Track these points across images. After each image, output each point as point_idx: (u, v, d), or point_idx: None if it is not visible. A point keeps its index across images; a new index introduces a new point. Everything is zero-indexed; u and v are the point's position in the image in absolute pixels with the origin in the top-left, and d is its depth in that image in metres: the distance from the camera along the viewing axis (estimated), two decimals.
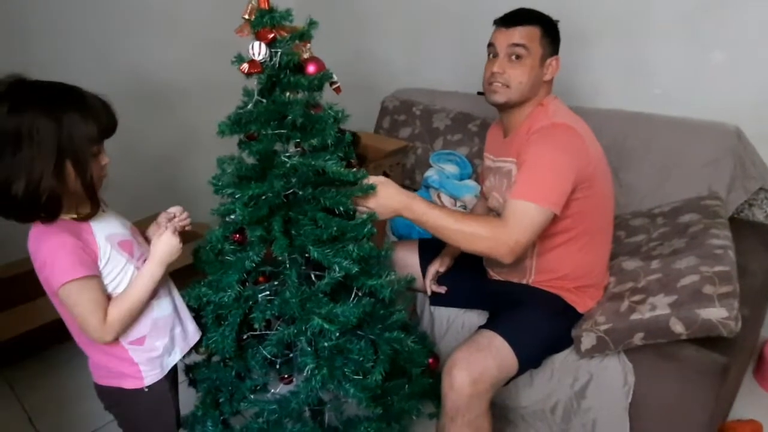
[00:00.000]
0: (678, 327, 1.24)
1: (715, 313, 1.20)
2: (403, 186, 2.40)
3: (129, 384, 1.15)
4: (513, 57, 1.38)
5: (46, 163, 0.93)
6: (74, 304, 1.01)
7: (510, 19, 1.40)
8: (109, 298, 1.06)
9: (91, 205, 1.03)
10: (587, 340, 1.37)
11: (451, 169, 2.19)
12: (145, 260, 1.13)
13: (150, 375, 1.16)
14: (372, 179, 1.26)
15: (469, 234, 1.28)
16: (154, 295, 1.12)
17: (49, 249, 0.98)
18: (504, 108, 1.45)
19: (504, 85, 1.39)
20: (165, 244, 1.09)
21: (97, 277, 1.03)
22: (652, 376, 1.37)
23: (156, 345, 1.15)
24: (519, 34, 1.37)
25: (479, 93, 2.36)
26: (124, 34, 2.23)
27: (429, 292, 1.67)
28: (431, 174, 2.22)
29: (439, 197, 2.14)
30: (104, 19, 2.17)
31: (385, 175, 2.28)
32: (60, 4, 2.05)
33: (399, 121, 2.51)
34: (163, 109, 2.47)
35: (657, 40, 1.94)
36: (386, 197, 1.27)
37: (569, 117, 1.40)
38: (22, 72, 0.97)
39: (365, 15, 2.80)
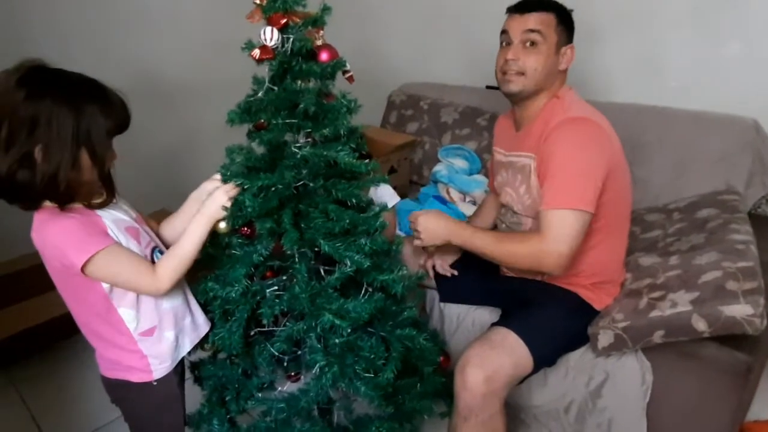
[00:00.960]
0: (700, 324, 1.20)
1: (739, 309, 1.17)
2: (411, 181, 2.40)
3: (137, 377, 1.12)
4: (528, 44, 1.34)
5: (64, 153, 0.92)
6: (114, 273, 1.00)
7: (524, 5, 1.36)
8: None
9: (107, 193, 1.03)
10: (604, 338, 1.33)
11: (460, 163, 2.15)
12: (153, 248, 1.11)
13: (159, 368, 1.13)
14: (423, 212, 1.40)
15: (512, 254, 1.32)
16: None
17: (57, 233, 0.96)
18: (518, 99, 1.40)
19: (518, 73, 1.34)
20: (217, 199, 1.09)
21: (117, 243, 1.01)
22: (671, 375, 1.33)
23: (166, 336, 1.13)
24: (534, 19, 1.33)
25: (488, 87, 2.33)
26: (127, 31, 2.21)
27: (431, 274, 1.64)
28: (440, 169, 2.19)
29: (448, 192, 2.10)
30: (107, 16, 2.14)
31: (393, 170, 2.25)
32: (62, 1, 2.02)
33: (406, 116, 2.48)
34: (165, 108, 2.44)
35: (671, 32, 1.90)
36: (436, 227, 1.37)
37: (587, 109, 1.36)
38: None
39: (371, 8, 2.77)
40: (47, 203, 0.98)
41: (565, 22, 1.36)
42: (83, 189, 0.99)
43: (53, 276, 1.04)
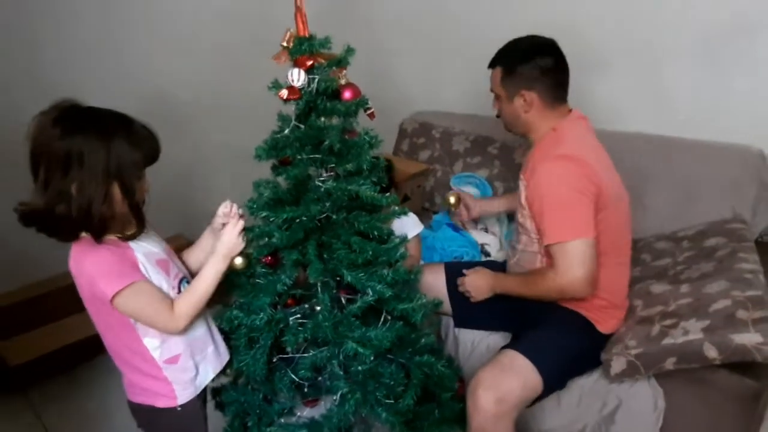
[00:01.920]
0: (711, 352, 1.23)
1: (749, 338, 1.20)
2: (423, 208, 2.45)
3: (162, 403, 1.16)
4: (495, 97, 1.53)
5: (95, 186, 0.98)
6: (137, 309, 1.06)
7: (490, 62, 1.51)
8: None
9: (138, 225, 1.07)
10: (617, 364, 1.36)
11: (471, 191, 2.20)
12: (180, 279, 1.16)
13: (183, 394, 1.17)
14: (471, 272, 1.61)
15: (541, 292, 1.44)
16: None
17: (92, 264, 1.02)
18: (514, 134, 1.59)
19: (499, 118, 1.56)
20: (228, 239, 1.13)
21: (145, 279, 1.06)
22: (682, 401, 1.35)
23: (189, 364, 1.17)
24: (491, 79, 1.51)
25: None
26: (140, 53, 2.26)
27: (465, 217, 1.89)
28: None
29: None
30: (120, 38, 2.19)
31: (406, 198, 2.30)
32: (77, 23, 2.08)
33: (418, 144, 2.53)
34: (177, 130, 2.45)
35: (677, 64, 1.95)
36: (481, 284, 1.57)
37: (577, 144, 1.41)
38: (71, 97, 1.01)
39: (383, 37, 2.84)
40: (84, 234, 1.02)
41: (514, 70, 1.44)
42: (116, 221, 1.04)
43: (86, 303, 1.09)
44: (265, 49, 1.16)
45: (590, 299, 1.44)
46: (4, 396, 1.96)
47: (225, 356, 1.26)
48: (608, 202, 1.38)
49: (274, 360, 1.32)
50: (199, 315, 1.17)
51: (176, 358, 1.15)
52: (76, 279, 1.06)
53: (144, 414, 1.20)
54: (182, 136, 2.49)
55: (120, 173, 1.00)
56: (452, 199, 1.86)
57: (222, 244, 1.13)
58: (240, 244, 1.14)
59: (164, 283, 1.10)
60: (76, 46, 2.08)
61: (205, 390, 1.25)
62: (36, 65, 2.01)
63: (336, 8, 2.45)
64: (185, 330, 1.13)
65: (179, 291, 1.14)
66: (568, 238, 1.33)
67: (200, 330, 1.19)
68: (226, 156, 2.18)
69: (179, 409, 1.17)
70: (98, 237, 1.02)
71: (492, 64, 1.50)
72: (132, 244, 1.08)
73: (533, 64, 1.41)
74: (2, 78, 1.94)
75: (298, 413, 1.39)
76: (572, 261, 1.33)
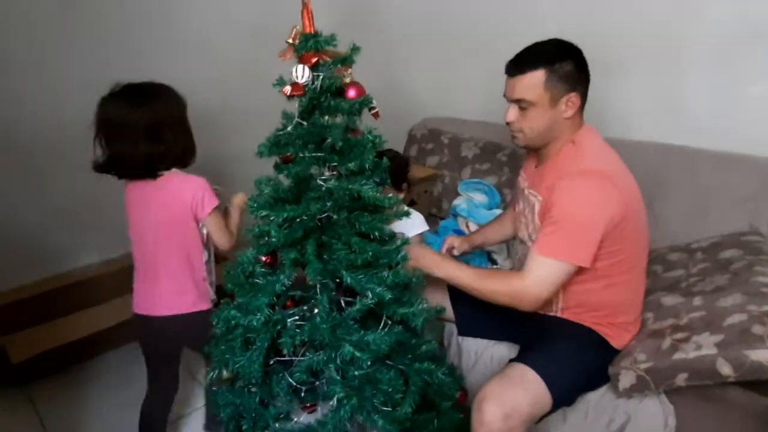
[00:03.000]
0: (725, 369, 1.18)
1: (765, 354, 1.14)
2: (430, 214, 2.42)
3: (205, 305, 1.49)
4: (519, 107, 1.35)
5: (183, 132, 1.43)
6: (219, 223, 1.44)
7: (513, 66, 1.34)
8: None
9: (193, 157, 1.47)
10: (626, 379, 1.31)
11: (479, 198, 2.17)
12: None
13: (211, 296, 1.53)
14: (416, 245, 1.41)
15: (493, 291, 1.36)
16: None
17: (201, 184, 1.41)
18: (529, 149, 1.45)
19: (519, 131, 1.38)
20: (240, 199, 1.50)
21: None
22: (694, 418, 1.30)
23: (207, 267, 1.51)
24: (519, 86, 1.32)
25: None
26: (156, 56, 2.28)
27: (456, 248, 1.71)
28: (460, 203, 2.20)
29: (467, 226, 2.11)
30: (138, 41, 2.21)
31: (413, 203, 2.27)
32: (95, 28, 2.12)
33: (427, 150, 2.51)
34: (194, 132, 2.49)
35: (694, 70, 1.91)
36: (418, 255, 1.39)
37: (603, 158, 1.35)
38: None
39: (394, 43, 2.83)
40: (174, 170, 1.41)
41: (561, 71, 1.30)
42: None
43: (171, 227, 1.41)
44: (279, 57, 1.15)
45: (608, 317, 1.40)
46: (5, 392, 1.96)
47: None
48: (632, 218, 1.32)
49: (271, 363, 1.29)
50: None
51: (205, 262, 1.50)
52: (175, 201, 1.39)
53: (199, 321, 1.43)
54: (197, 139, 2.49)
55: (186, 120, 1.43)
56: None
57: (238, 197, 1.51)
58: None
59: None
60: (95, 49, 2.11)
61: None
62: (56, 73, 2.04)
63: (347, 15, 2.45)
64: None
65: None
66: (559, 257, 1.28)
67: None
68: (235, 158, 2.19)
69: (211, 308, 1.50)
70: (186, 167, 1.43)
71: (525, 67, 1.31)
72: None
73: (573, 63, 1.32)
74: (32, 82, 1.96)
75: (295, 418, 1.36)
76: (547, 280, 1.29)
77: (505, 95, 1.39)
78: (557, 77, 1.31)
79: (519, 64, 1.33)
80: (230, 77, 2.48)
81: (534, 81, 1.31)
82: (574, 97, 1.33)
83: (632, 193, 1.35)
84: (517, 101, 1.34)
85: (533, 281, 1.29)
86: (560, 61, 1.31)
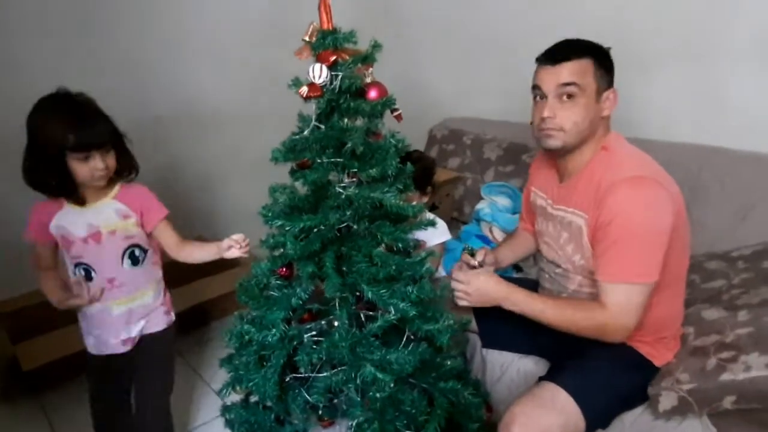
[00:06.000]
0: None
1: None
2: (452, 219, 2.33)
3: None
4: (564, 97, 1.22)
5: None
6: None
7: (557, 54, 1.22)
8: None
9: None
10: (667, 400, 1.22)
11: (503, 201, 2.08)
12: (77, 264, 1.33)
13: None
14: (476, 273, 1.27)
15: (574, 323, 1.24)
16: None
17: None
18: (561, 153, 1.30)
19: (558, 129, 1.24)
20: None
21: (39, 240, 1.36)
22: None
23: None
24: (568, 70, 1.20)
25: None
26: (168, 59, 2.24)
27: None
28: (483, 206, 2.11)
29: (491, 231, 2.02)
30: (150, 44, 2.18)
31: (434, 207, 2.19)
32: (111, 30, 2.08)
33: (448, 151, 2.43)
34: (203, 135, 2.45)
35: (733, 66, 1.80)
36: (490, 290, 1.27)
37: (641, 163, 1.25)
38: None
39: (414, 42, 2.76)
40: None
41: (605, 64, 1.22)
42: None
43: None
44: (295, 56, 1.08)
45: (650, 335, 1.30)
46: (16, 400, 1.94)
47: None
48: (681, 225, 1.22)
49: (287, 379, 1.22)
50: None
51: None
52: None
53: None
54: (208, 141, 2.46)
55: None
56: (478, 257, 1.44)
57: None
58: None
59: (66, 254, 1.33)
60: (109, 52, 2.09)
61: None
62: (65, 75, 1.99)
63: (368, 14, 2.39)
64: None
65: (74, 271, 1.35)
66: (637, 280, 1.17)
67: None
68: (251, 162, 2.15)
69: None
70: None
71: (572, 54, 1.20)
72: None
73: (610, 60, 1.24)
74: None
75: None
76: (627, 306, 1.17)
77: (537, 87, 1.26)
78: (603, 69, 1.22)
79: (564, 52, 1.22)
80: (242, 78, 2.43)
81: (583, 67, 1.20)
82: (612, 94, 1.25)
83: (679, 199, 1.25)
84: (566, 86, 1.21)
85: (617, 312, 1.18)
86: (603, 53, 1.24)
